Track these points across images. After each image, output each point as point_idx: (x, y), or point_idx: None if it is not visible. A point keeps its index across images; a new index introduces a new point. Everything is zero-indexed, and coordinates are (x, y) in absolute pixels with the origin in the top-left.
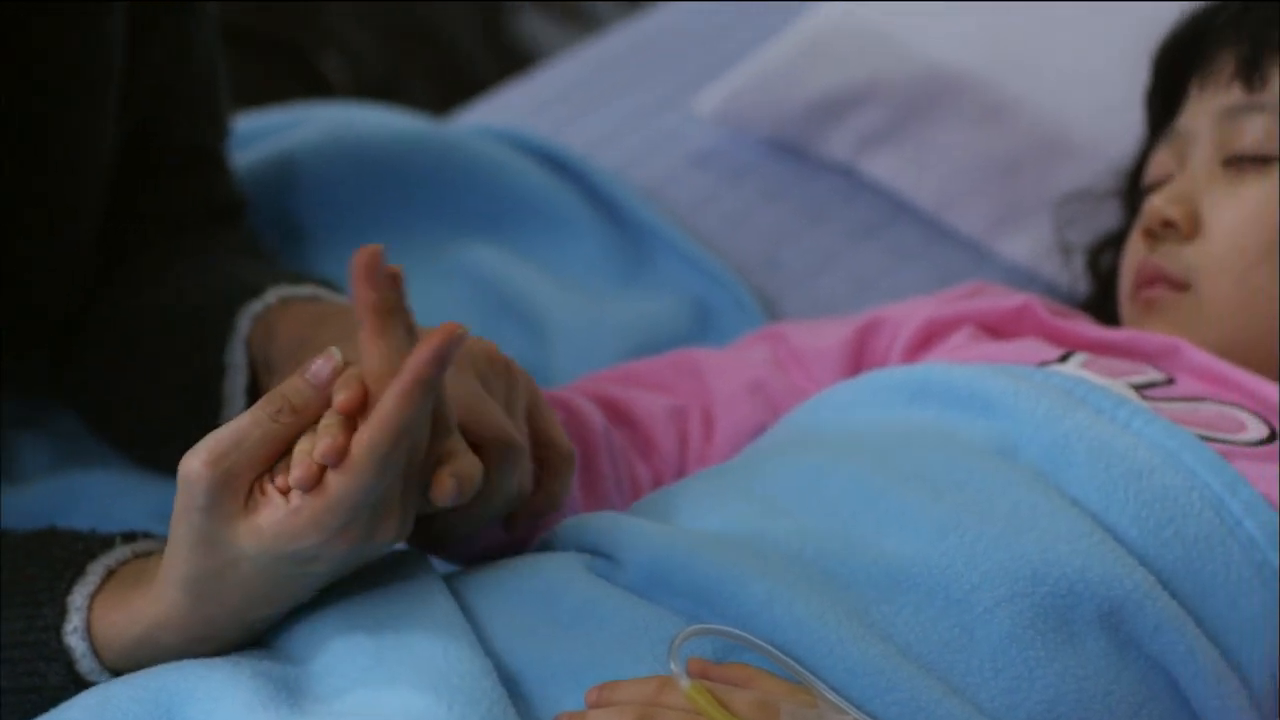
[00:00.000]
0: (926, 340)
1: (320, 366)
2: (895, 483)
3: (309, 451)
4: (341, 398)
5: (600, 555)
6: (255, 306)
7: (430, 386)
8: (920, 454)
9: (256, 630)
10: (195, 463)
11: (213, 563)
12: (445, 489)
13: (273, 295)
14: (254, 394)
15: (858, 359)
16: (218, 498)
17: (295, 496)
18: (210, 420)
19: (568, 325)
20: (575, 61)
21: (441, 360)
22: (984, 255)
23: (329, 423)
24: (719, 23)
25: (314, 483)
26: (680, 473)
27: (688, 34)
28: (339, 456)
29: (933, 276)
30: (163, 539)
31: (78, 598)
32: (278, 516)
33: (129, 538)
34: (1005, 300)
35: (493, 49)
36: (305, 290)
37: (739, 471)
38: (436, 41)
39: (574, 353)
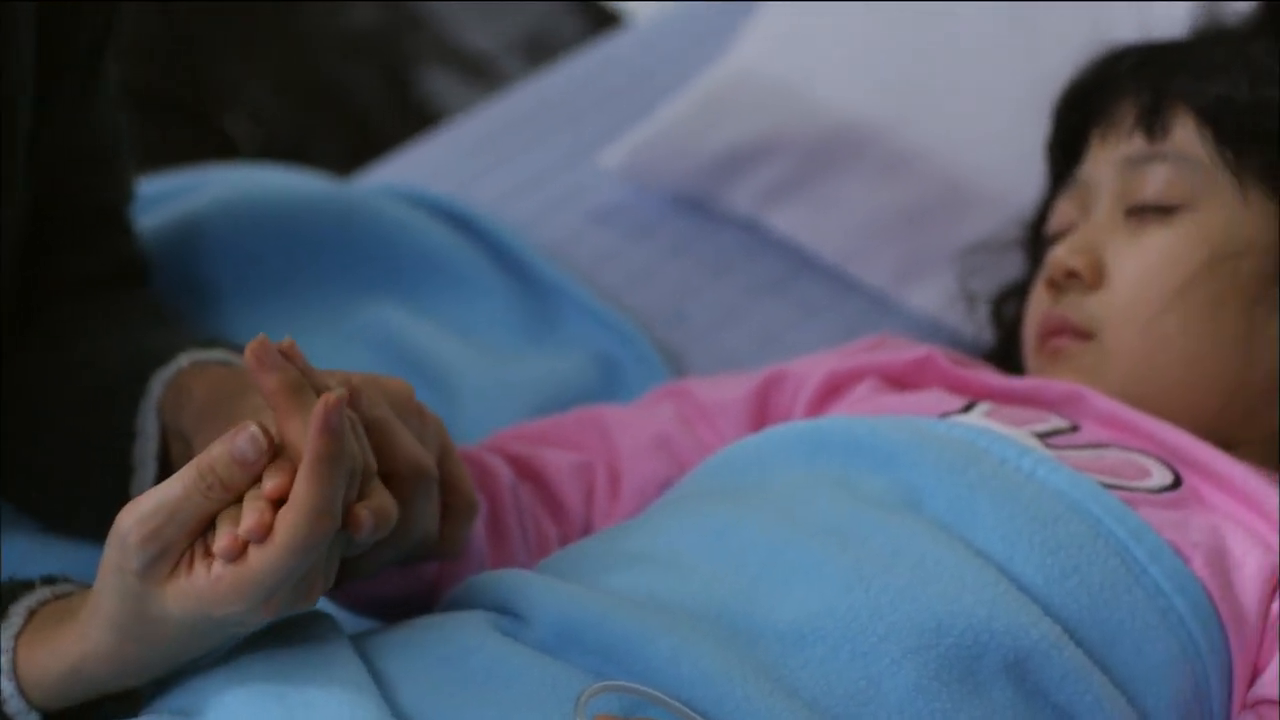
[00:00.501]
0: (830, 393)
1: (245, 447)
2: (800, 536)
3: (234, 523)
4: (270, 485)
5: (508, 613)
6: (166, 372)
7: (333, 459)
8: (825, 507)
9: (185, 664)
10: (134, 535)
11: (140, 614)
12: (362, 522)
13: (184, 359)
14: (163, 459)
15: (762, 414)
16: (151, 567)
17: (219, 565)
18: (121, 486)
19: (474, 384)
20: (480, 119)
21: (332, 432)
22: (889, 307)
23: (255, 495)
24: (622, 79)
25: (237, 554)
26: (587, 529)
27: (591, 90)
28: (263, 533)
29: (838, 329)
30: (81, 583)
31: (2, 640)
32: (202, 584)
33: (48, 580)
34: (907, 352)
35: (399, 107)
36: (216, 354)
37: (645, 527)
38: (343, 101)
39: (481, 411)
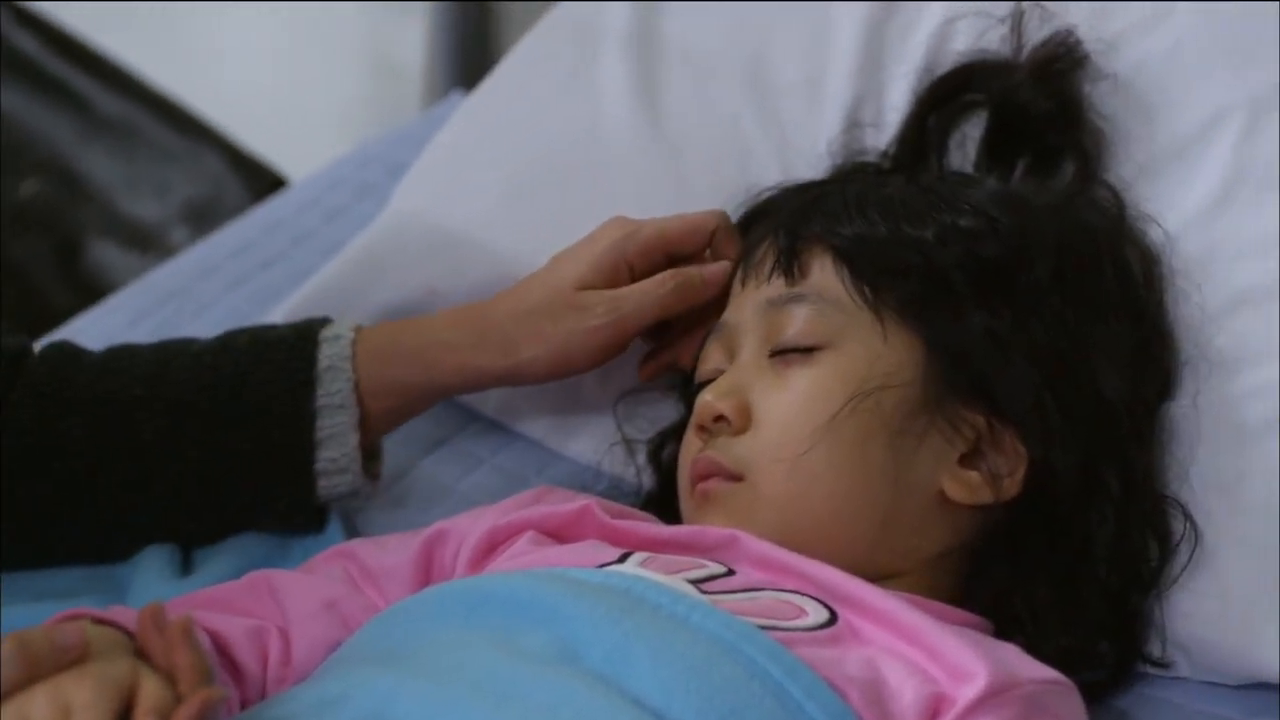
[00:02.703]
0: (490, 550)
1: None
2: (458, 698)
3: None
4: None
5: None
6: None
7: None
8: (482, 666)
9: None
10: None
11: None
12: None
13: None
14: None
15: (426, 573)
16: None
17: None
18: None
19: (147, 558)
20: (143, 288)
21: None
22: (552, 456)
23: None
24: (285, 241)
25: None
26: (263, 694)
27: (254, 254)
28: None
29: (502, 482)
30: None
31: None
32: None
33: None
34: (565, 505)
35: (68, 279)
36: None
37: (308, 695)
38: (13, 274)
39: (153, 579)
